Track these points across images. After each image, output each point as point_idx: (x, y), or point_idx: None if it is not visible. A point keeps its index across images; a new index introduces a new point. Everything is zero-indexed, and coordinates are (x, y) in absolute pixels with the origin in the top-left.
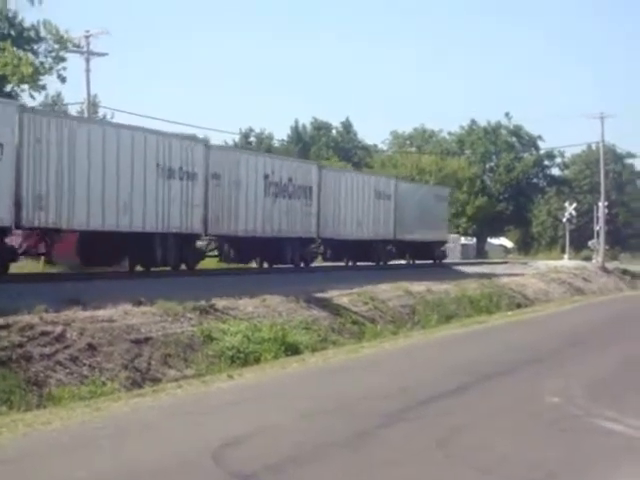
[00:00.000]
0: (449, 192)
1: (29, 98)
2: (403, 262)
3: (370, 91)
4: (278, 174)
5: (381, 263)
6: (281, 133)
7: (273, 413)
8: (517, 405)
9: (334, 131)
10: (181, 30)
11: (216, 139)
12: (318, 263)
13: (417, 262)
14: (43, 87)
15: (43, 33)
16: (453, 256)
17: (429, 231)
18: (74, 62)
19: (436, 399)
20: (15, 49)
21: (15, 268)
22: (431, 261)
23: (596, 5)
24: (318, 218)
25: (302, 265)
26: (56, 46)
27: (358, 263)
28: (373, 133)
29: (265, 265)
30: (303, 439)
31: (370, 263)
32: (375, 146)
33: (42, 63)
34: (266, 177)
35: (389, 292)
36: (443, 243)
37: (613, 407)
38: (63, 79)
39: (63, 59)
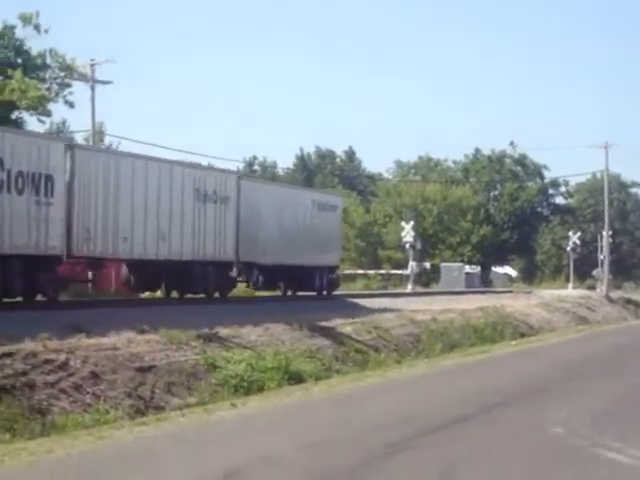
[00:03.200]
0: (341, 200)
1: (36, 124)
2: (275, 293)
3: (374, 119)
4: None
5: (217, 295)
6: (287, 162)
7: (276, 443)
8: (521, 435)
9: (338, 159)
10: (186, 58)
11: (220, 167)
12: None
13: (299, 294)
14: (49, 114)
15: (49, 61)
16: (457, 285)
17: (308, 252)
18: (79, 90)
19: (440, 428)
20: (22, 76)
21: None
22: (314, 293)
23: (598, 33)
24: (69, 226)
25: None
26: (62, 74)
27: (186, 295)
28: (377, 161)
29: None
30: (305, 469)
31: (200, 295)
32: (380, 175)
33: (48, 89)
34: None
35: (393, 321)
36: (332, 269)
37: (617, 438)
38: (71, 104)
39: (69, 85)
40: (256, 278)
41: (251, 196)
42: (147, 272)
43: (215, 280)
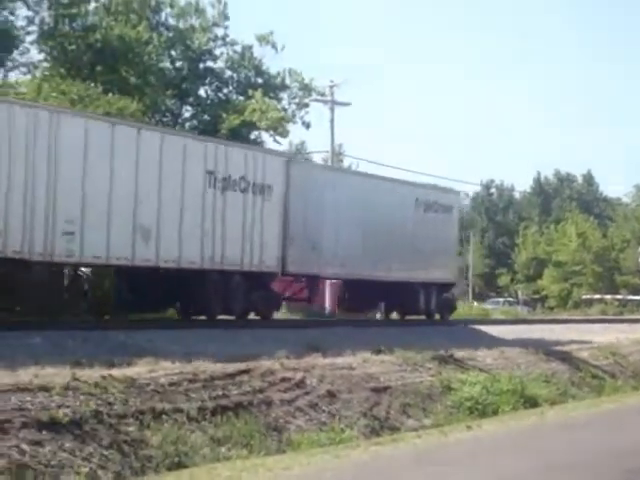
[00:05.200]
0: (458, 200)
1: (274, 144)
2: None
3: (614, 142)
4: None
5: (260, 317)
6: (523, 184)
7: (513, 466)
8: None
9: (576, 183)
10: (421, 78)
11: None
12: None
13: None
14: (286, 134)
15: (288, 81)
16: None
17: (409, 265)
18: (318, 111)
19: None
20: (262, 97)
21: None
22: (421, 317)
23: None
24: None
25: None
26: (300, 93)
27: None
28: (616, 186)
29: None
30: None
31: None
32: (618, 199)
33: (285, 110)
34: None
35: (630, 347)
36: (446, 287)
37: None
38: (307, 125)
39: (306, 105)
40: (342, 296)
41: (311, 187)
42: (134, 283)
43: (244, 295)
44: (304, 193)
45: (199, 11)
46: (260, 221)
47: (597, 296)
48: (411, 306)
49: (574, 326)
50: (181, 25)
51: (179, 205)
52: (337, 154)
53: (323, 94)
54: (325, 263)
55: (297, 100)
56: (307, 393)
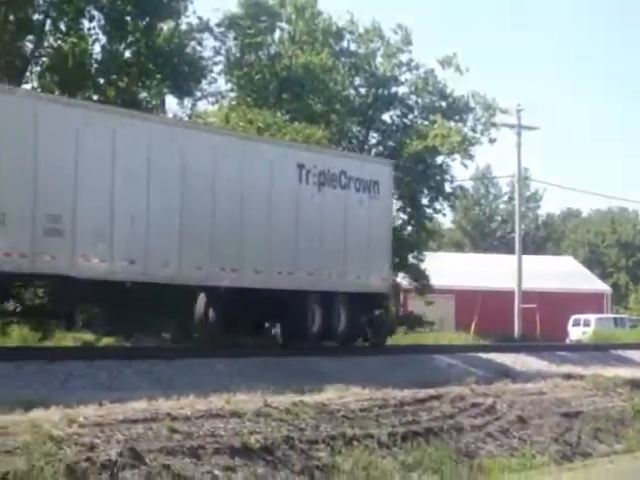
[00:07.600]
0: (388, 171)
1: (459, 169)
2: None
3: None
4: None
5: None
6: None
7: None
8: None
9: None
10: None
11: None
12: None
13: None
14: (471, 157)
15: (472, 104)
16: None
17: (281, 265)
18: (504, 137)
19: None
20: (444, 121)
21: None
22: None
23: None
24: None
25: None
26: (484, 114)
27: None
28: None
29: None
30: None
31: None
32: None
33: (473, 130)
34: None
35: None
36: (375, 299)
37: None
38: (492, 141)
39: (493, 124)
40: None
41: (49, 134)
42: None
43: None
44: (30, 142)
45: (382, 37)
46: None
47: None
48: (296, 327)
49: None
50: (362, 50)
51: None
52: (523, 178)
53: (506, 111)
54: (85, 256)
55: (482, 120)
56: (497, 418)
